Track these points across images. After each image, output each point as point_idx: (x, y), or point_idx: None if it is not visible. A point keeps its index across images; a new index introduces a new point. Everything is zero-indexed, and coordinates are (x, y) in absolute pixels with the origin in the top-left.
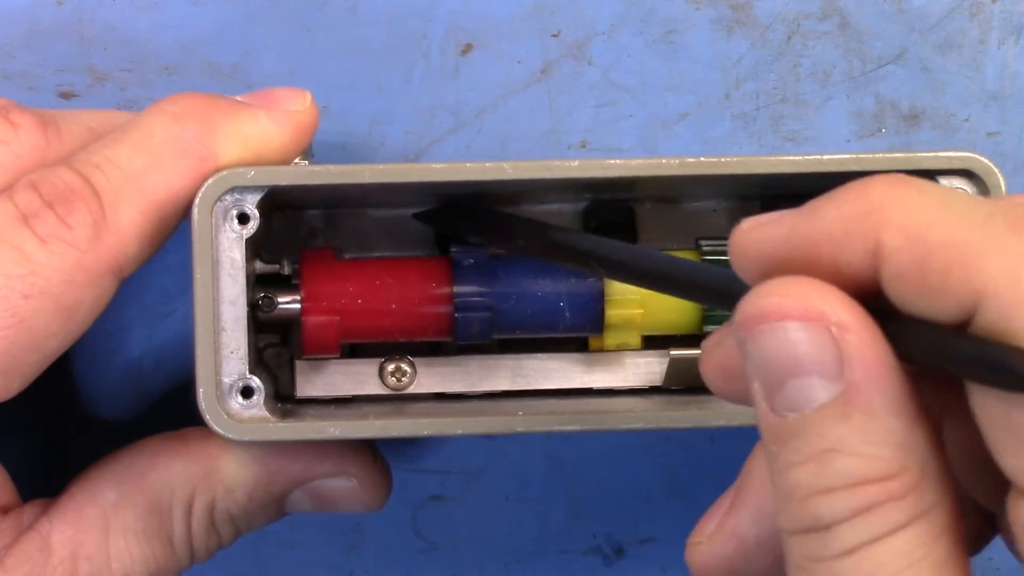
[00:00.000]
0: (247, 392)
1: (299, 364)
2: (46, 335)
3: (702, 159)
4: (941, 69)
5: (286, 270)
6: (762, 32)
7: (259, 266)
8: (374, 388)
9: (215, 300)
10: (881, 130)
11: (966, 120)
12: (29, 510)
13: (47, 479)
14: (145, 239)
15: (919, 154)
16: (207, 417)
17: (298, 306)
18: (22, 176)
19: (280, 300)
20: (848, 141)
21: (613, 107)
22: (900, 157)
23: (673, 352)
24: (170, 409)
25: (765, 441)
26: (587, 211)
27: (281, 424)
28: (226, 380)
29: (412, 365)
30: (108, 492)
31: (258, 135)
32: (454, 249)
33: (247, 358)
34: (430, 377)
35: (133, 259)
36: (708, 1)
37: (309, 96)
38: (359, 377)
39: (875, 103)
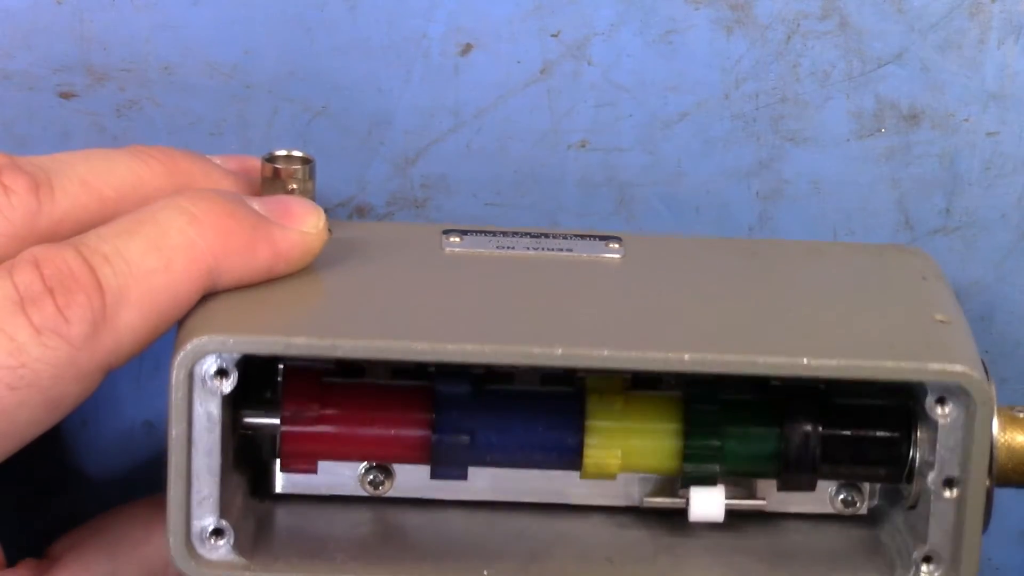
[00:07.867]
0: (217, 533)
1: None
2: (27, 425)
3: (686, 356)
4: (941, 69)
5: (268, 394)
6: (762, 32)
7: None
8: (353, 489)
9: (189, 454)
10: (881, 130)
11: (966, 120)
12: (23, 572)
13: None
14: (140, 339)
15: (906, 364)
16: (177, 563)
17: (277, 421)
18: (14, 241)
19: (259, 419)
20: (848, 141)
21: (613, 107)
22: (888, 367)
23: (647, 500)
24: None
25: None
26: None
27: (248, 574)
28: (197, 524)
29: (392, 473)
30: (103, 563)
31: (266, 260)
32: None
33: (218, 504)
34: (410, 481)
35: (125, 356)
36: (708, 1)
37: (323, 218)
38: (339, 478)
39: (875, 103)
